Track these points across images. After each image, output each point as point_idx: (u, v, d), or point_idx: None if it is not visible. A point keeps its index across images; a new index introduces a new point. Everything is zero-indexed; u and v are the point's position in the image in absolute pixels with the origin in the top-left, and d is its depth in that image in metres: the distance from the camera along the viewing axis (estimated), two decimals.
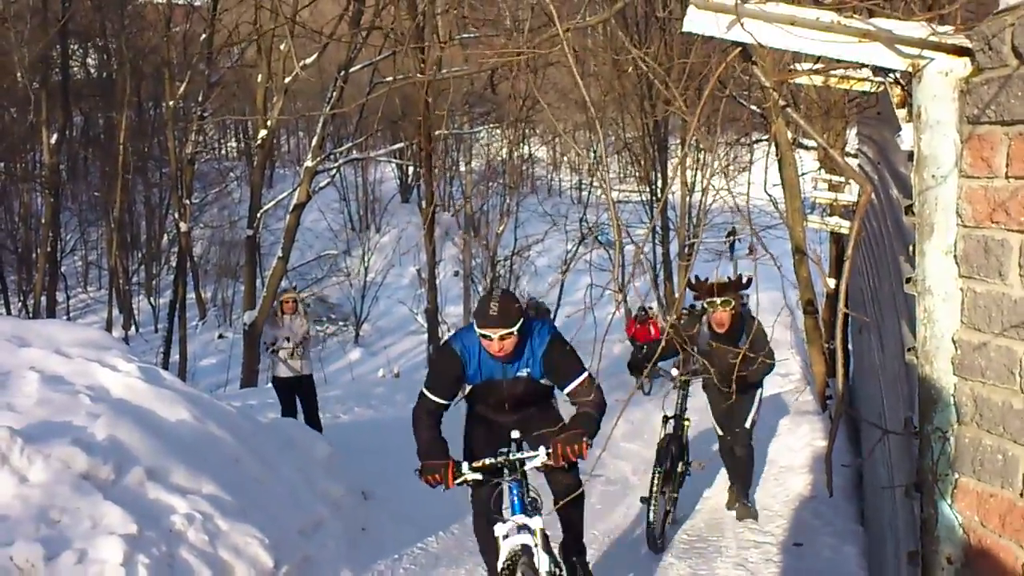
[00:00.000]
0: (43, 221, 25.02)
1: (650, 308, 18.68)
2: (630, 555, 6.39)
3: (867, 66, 2.22)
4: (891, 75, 2.56)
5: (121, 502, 4.97)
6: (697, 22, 2.15)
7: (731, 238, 27.81)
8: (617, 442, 10.83)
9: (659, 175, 21.66)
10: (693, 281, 6.90)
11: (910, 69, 2.08)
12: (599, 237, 23.45)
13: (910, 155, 2.16)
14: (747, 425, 6.92)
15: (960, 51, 2.02)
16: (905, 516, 2.98)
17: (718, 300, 6.54)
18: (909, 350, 2.26)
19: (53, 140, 22.53)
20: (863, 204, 2.00)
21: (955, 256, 2.09)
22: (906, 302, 2.65)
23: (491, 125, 28.45)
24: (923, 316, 2.15)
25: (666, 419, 6.97)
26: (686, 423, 7.07)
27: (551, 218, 25.93)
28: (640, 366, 7.67)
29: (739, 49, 2.13)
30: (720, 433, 7.19)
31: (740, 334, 6.63)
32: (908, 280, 2.21)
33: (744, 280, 6.74)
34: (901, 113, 2.26)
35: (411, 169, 33.96)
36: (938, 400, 2.15)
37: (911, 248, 2.20)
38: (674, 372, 7.28)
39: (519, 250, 26.12)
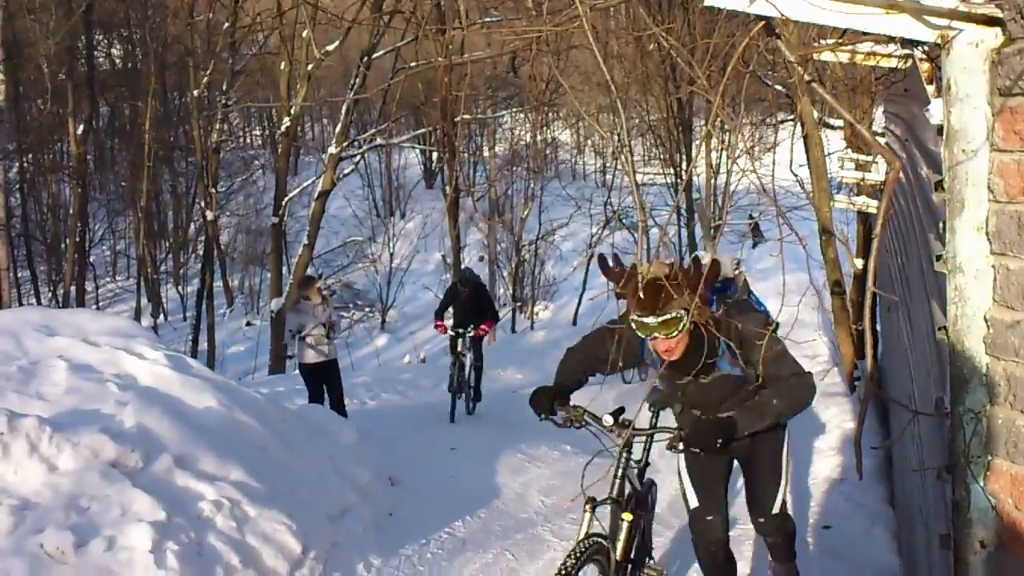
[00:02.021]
0: (71, 211, 25.27)
1: None
2: (659, 537, 6.36)
3: (895, 40, 2.16)
4: (919, 48, 2.50)
5: (149, 489, 5.01)
6: None
7: (753, 221, 27.54)
8: None
9: (683, 157, 21.52)
10: (609, 263, 3.87)
11: (938, 41, 2.02)
12: (623, 220, 23.35)
13: (939, 130, 2.11)
14: (776, 509, 4.29)
15: (991, 21, 1.96)
16: (936, 498, 2.94)
17: (652, 321, 3.59)
18: (940, 329, 2.22)
19: (80, 131, 22.71)
20: (892, 181, 1.95)
21: (987, 232, 2.04)
22: (936, 280, 2.60)
23: (514, 109, 28.34)
24: (954, 294, 2.11)
25: (591, 505, 3.78)
26: (626, 518, 3.85)
27: (575, 202, 25.84)
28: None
29: (763, 23, 2.09)
30: (695, 505, 4.31)
31: (714, 354, 3.81)
32: (939, 258, 2.16)
33: (705, 267, 3.49)
34: (930, 88, 2.20)
35: (435, 155, 33.94)
36: (970, 380, 2.10)
37: (941, 225, 2.15)
38: (607, 420, 4.00)
39: (544, 234, 26.05)
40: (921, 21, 2.00)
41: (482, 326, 11.50)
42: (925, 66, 2.71)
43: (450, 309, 12.26)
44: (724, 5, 2.06)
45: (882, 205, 1.97)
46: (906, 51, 2.71)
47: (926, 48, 2.39)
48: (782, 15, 1.89)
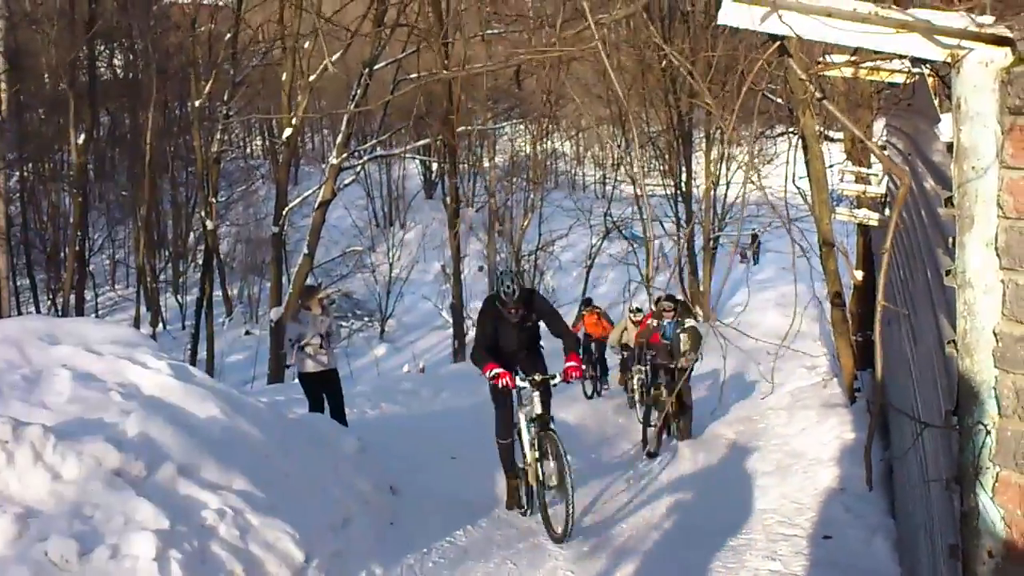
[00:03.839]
0: (71, 220, 25.29)
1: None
2: (661, 548, 6.38)
3: (903, 57, 2.19)
4: (926, 65, 2.53)
5: (153, 498, 5.01)
6: (732, 15, 2.13)
7: (754, 234, 27.54)
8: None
9: (683, 169, 21.61)
10: None
11: (948, 60, 2.05)
12: (623, 232, 23.41)
13: (949, 146, 2.14)
14: None
15: (1000, 41, 1.99)
16: (943, 510, 2.96)
17: None
18: (949, 343, 2.24)
19: (81, 140, 22.72)
20: (902, 196, 1.98)
21: (996, 248, 2.06)
22: (944, 294, 2.63)
23: (515, 120, 28.43)
24: (963, 308, 2.13)
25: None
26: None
27: (575, 213, 25.93)
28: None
29: (777, 43, 2.12)
30: None
31: None
32: (948, 272, 2.19)
33: None
34: (936, 102, 2.23)
35: (435, 165, 34.09)
36: (979, 393, 2.13)
37: (951, 240, 2.17)
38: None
39: (543, 245, 26.11)
40: (932, 40, 2.03)
41: (569, 364, 6.89)
42: (929, 81, 2.74)
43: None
44: (737, 23, 2.09)
45: (891, 220, 1.99)
46: (916, 70, 2.74)
47: (932, 64, 2.42)
48: (796, 35, 1.92)
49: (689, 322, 10.33)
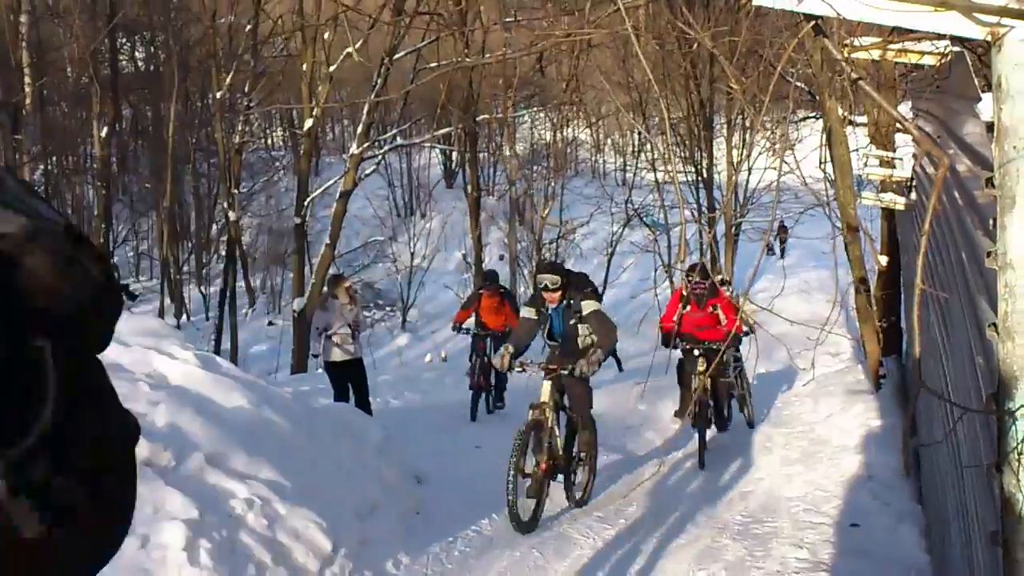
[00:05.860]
0: (95, 213, 25.47)
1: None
2: (686, 535, 6.36)
3: (941, 37, 2.16)
4: (959, 44, 2.49)
5: (182, 488, 5.05)
6: None
7: (783, 235, 27.28)
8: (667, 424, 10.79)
9: (704, 155, 21.47)
10: None
11: (988, 38, 2.01)
12: (644, 219, 23.28)
13: (988, 127, 2.09)
14: None
15: None
16: (980, 496, 2.92)
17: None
18: (990, 326, 2.21)
19: (103, 133, 22.86)
20: (941, 176, 1.95)
21: None
22: (982, 276, 2.59)
23: (535, 108, 28.35)
24: (1004, 291, 2.09)
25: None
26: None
27: (596, 200, 25.79)
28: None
29: (812, 23, 2.08)
30: None
31: None
32: (989, 254, 2.15)
33: None
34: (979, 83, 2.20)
35: (455, 154, 34.10)
36: (1020, 377, 2.09)
37: (991, 222, 2.13)
38: None
39: (564, 233, 26.00)
40: (971, 18, 1.99)
41: None
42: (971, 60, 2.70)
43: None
44: (773, 5, 2.06)
45: (931, 202, 1.96)
46: (956, 48, 2.70)
47: (969, 43, 2.38)
48: (838, 14, 1.89)
49: (589, 305, 7.05)
